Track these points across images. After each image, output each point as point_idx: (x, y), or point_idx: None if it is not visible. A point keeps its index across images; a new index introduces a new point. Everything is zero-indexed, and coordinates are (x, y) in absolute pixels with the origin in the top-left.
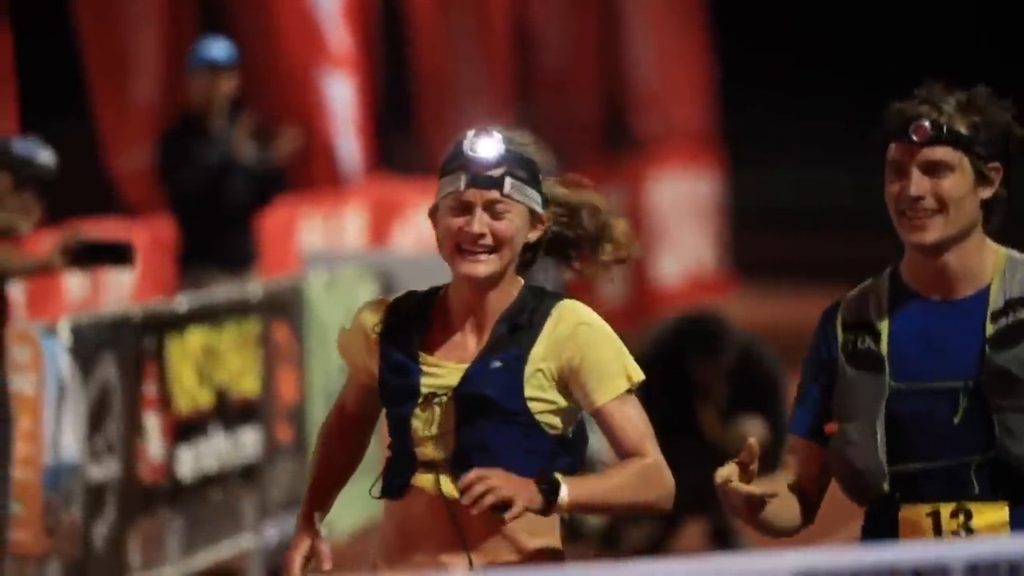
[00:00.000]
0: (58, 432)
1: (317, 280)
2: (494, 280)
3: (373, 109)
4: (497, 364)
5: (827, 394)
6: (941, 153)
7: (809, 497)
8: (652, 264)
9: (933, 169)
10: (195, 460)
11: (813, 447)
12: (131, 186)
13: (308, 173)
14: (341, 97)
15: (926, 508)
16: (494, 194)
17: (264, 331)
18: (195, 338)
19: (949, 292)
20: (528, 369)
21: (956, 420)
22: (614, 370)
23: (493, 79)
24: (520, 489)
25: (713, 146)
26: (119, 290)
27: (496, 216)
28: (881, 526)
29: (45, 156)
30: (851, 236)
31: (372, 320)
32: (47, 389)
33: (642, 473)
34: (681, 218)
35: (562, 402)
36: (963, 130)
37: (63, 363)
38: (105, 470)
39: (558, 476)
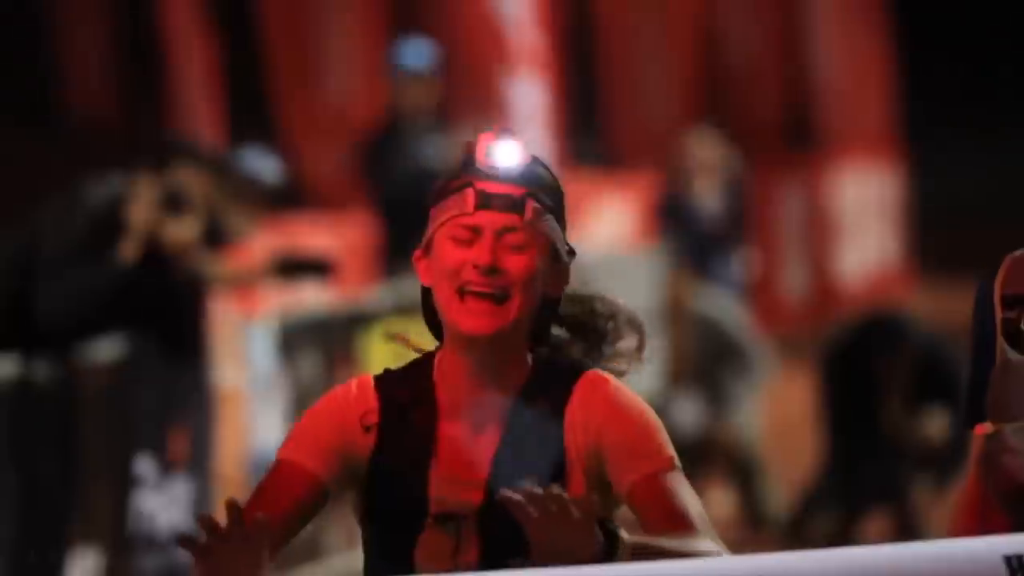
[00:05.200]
0: (262, 425)
1: None
2: (503, 344)
3: (563, 108)
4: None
5: None
6: None
7: None
8: (834, 261)
9: None
10: None
11: None
12: (323, 184)
13: None
14: (528, 96)
15: None
16: (512, 219)
17: None
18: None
19: None
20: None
21: None
22: (651, 447)
23: (678, 77)
24: (579, 542)
25: (896, 141)
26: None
27: (512, 250)
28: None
29: (272, 172)
30: None
31: (361, 406)
32: (251, 383)
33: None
34: (864, 214)
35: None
36: None
37: (267, 357)
38: None
39: (622, 536)
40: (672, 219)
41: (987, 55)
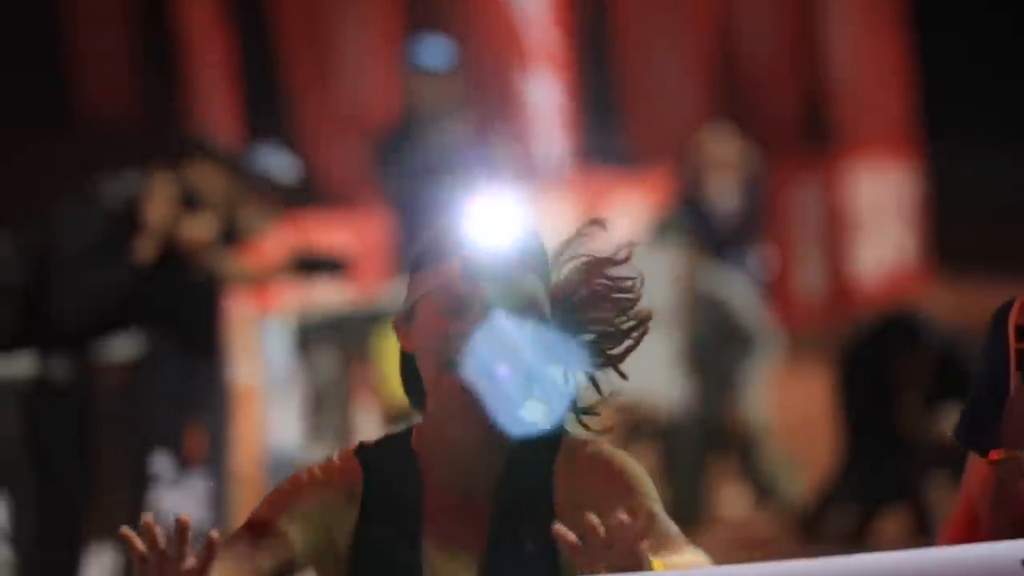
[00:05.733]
0: (278, 422)
1: None
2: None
3: (579, 105)
4: (525, 550)
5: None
6: None
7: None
8: (851, 259)
9: None
10: None
11: None
12: (339, 181)
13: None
14: (544, 94)
15: None
16: (501, 289)
17: None
18: None
19: None
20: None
21: None
22: (629, 485)
23: (694, 74)
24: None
25: (913, 138)
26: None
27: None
28: None
29: (288, 170)
30: None
31: (344, 478)
32: (267, 380)
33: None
34: (881, 212)
35: None
36: None
37: (283, 355)
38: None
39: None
40: (688, 217)
41: (1006, 51)
